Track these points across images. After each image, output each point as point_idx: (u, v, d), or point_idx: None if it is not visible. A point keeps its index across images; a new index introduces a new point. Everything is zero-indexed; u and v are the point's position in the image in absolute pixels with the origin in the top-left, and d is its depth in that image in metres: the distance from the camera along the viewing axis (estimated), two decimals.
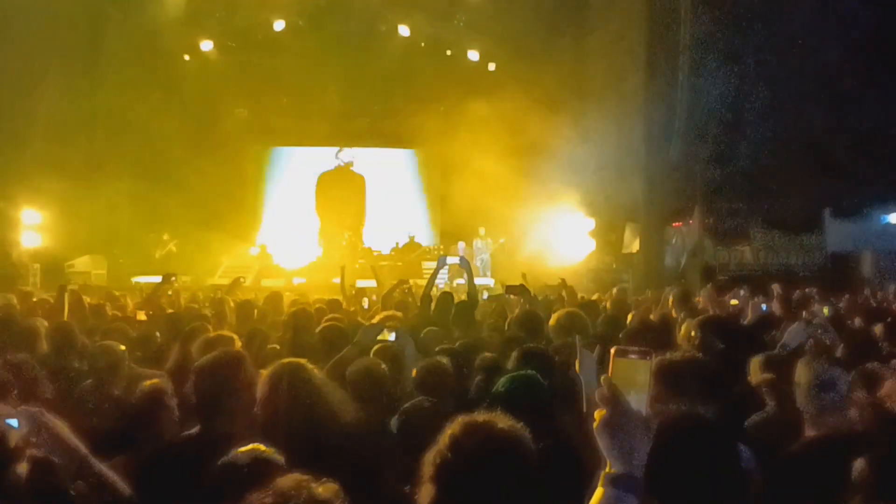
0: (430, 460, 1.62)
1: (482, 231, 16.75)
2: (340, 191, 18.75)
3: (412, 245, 17.72)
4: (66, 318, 5.51)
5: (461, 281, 7.09)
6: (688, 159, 13.11)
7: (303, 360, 2.70)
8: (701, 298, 7.80)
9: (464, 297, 6.20)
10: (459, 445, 1.61)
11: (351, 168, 19.13)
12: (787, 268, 12.33)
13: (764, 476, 2.13)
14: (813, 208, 12.58)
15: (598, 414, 1.31)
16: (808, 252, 12.79)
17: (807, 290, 7.06)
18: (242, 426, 2.40)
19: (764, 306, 5.39)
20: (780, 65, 11.52)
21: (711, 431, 1.91)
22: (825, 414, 2.47)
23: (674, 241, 14.61)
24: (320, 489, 1.47)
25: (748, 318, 5.31)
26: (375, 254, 17.32)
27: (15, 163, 13.28)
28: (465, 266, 6.64)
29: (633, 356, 1.34)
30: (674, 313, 5.41)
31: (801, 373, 2.59)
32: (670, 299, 5.96)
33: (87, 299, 6.78)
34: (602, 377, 1.33)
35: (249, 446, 1.90)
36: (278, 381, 2.64)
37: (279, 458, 1.88)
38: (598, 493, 1.29)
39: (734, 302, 6.58)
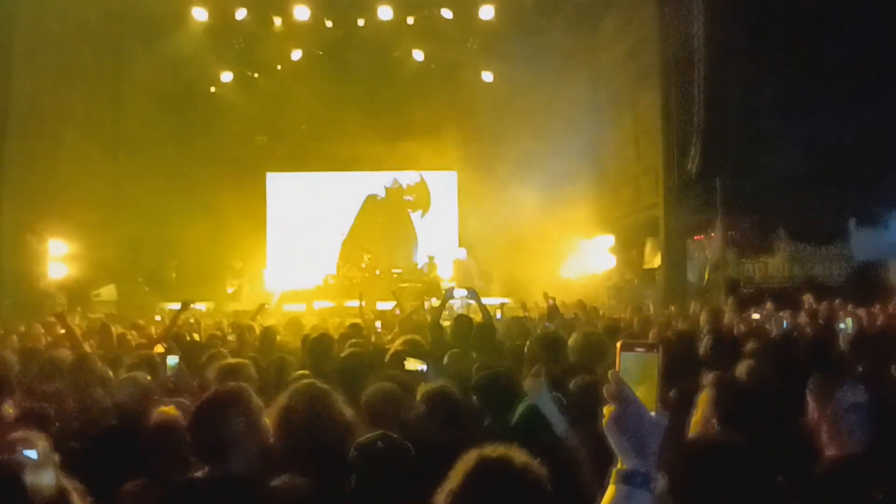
0: (444, 494, 1.58)
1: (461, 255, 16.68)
2: (387, 218, 18.97)
3: (432, 265, 17.74)
4: (86, 349, 5.59)
5: (472, 302, 7.08)
6: (708, 172, 12.98)
7: (319, 385, 2.68)
8: (725, 314, 7.69)
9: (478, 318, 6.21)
10: (473, 483, 1.56)
11: (404, 196, 19.35)
12: (812, 279, 12.07)
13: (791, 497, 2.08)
14: (838, 218, 12.34)
15: (607, 410, 1.28)
16: (833, 262, 12.54)
17: (836, 301, 6.91)
18: (251, 464, 2.35)
19: (785, 322, 5.28)
20: (801, 74, 11.39)
21: (749, 458, 1.86)
22: (849, 434, 2.41)
23: (696, 255, 14.43)
24: None
25: (772, 333, 5.21)
26: (396, 275, 17.35)
27: (41, 194, 13.59)
28: (474, 296, 6.66)
29: (639, 350, 1.30)
30: (704, 330, 5.34)
31: (817, 388, 2.53)
32: (701, 315, 5.87)
33: (113, 328, 6.88)
34: (609, 372, 1.30)
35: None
36: (295, 408, 2.62)
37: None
38: (610, 490, 1.26)
39: (756, 316, 6.46)
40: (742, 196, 12.68)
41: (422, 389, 3.25)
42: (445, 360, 4.59)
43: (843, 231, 12.57)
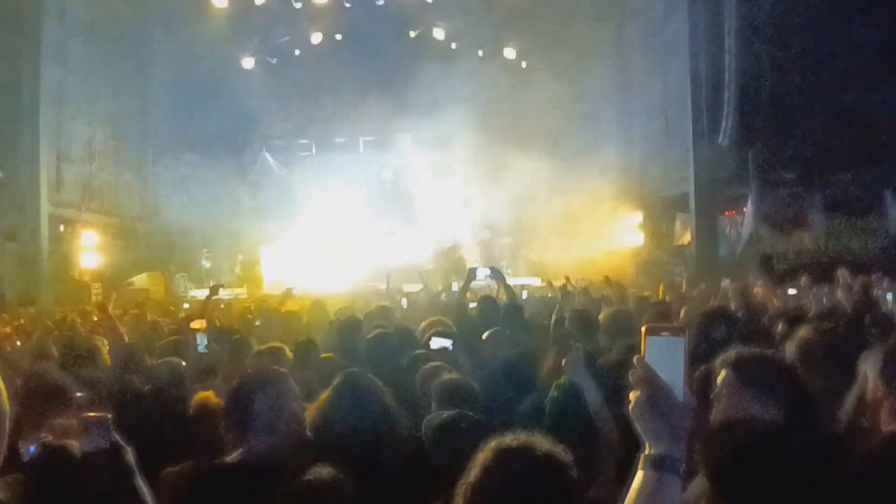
0: (463, 488, 1.55)
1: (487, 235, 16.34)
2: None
3: (454, 247, 17.69)
4: (125, 338, 5.71)
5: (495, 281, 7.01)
6: (739, 145, 12.65)
7: (360, 372, 2.68)
8: (758, 290, 7.52)
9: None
10: (494, 472, 1.53)
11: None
12: (848, 253, 11.74)
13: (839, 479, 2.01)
14: (873, 190, 11.94)
15: (633, 395, 1.28)
16: (869, 236, 12.15)
17: (873, 276, 6.71)
18: (288, 443, 2.38)
19: (825, 299, 5.14)
20: (834, 40, 10.98)
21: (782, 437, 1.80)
22: None
23: (728, 230, 14.14)
24: None
25: (811, 310, 5.07)
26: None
27: (74, 189, 13.91)
28: (497, 275, 6.63)
29: (665, 334, 1.30)
30: (735, 307, 5.23)
31: (880, 361, 2.43)
32: (730, 292, 5.76)
33: (147, 316, 7.03)
34: (635, 357, 1.30)
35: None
36: (341, 393, 2.61)
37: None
38: (639, 476, 1.26)
39: (792, 292, 6.30)
40: (775, 169, 12.35)
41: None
42: (485, 336, 4.47)
43: (879, 203, 12.18)
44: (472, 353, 4.29)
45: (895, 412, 2.31)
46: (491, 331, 4.44)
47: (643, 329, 1.33)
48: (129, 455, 1.92)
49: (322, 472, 1.88)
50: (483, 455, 1.57)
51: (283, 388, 2.52)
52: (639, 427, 1.28)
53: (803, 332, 3.27)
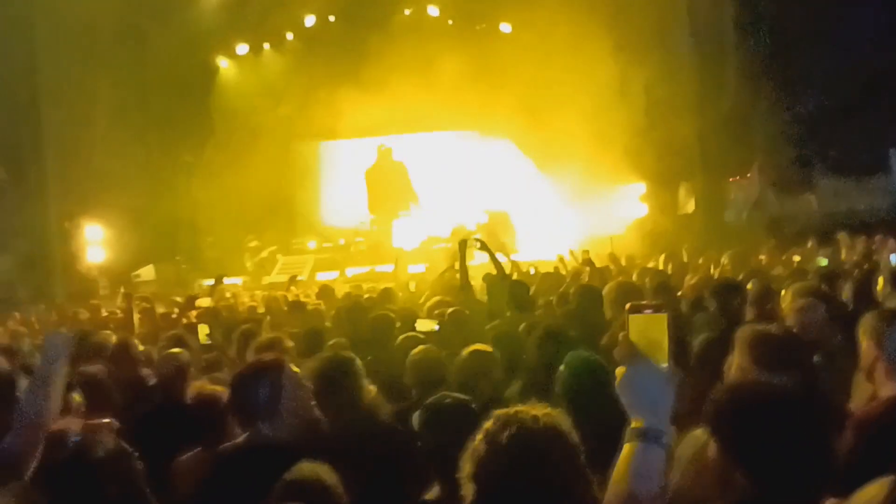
0: (466, 458, 1.59)
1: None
2: (386, 181, 18.73)
3: (459, 228, 17.64)
4: (136, 330, 5.76)
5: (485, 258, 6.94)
6: (743, 108, 12.51)
7: (343, 355, 2.70)
8: (765, 256, 7.49)
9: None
10: (494, 440, 1.56)
11: (391, 157, 19.07)
12: (854, 214, 11.65)
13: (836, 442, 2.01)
14: (878, 148, 11.81)
15: (619, 371, 1.35)
16: (875, 195, 12.05)
17: (877, 237, 6.65)
18: (289, 431, 2.42)
19: (825, 260, 5.12)
20: (830, 4, 10.78)
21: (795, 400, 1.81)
22: None
23: (733, 195, 14.04)
24: None
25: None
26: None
27: (77, 183, 13.95)
28: (485, 247, 6.58)
29: (648, 311, 1.37)
30: (732, 275, 5.21)
31: (871, 325, 2.43)
32: (723, 259, 5.73)
33: (157, 308, 7.09)
34: (620, 335, 1.36)
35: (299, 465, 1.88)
36: (319, 379, 2.65)
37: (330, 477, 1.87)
38: (627, 447, 1.33)
39: (797, 258, 6.27)
40: (779, 132, 12.22)
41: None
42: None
43: (884, 162, 12.06)
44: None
45: (889, 375, 2.31)
46: (451, 310, 4.45)
47: (626, 307, 1.39)
48: (136, 461, 1.95)
49: (304, 469, 1.90)
50: (486, 424, 1.62)
51: (283, 375, 2.57)
52: (624, 402, 1.35)
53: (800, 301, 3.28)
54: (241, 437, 2.57)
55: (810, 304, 3.45)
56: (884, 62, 10.36)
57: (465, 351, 3.19)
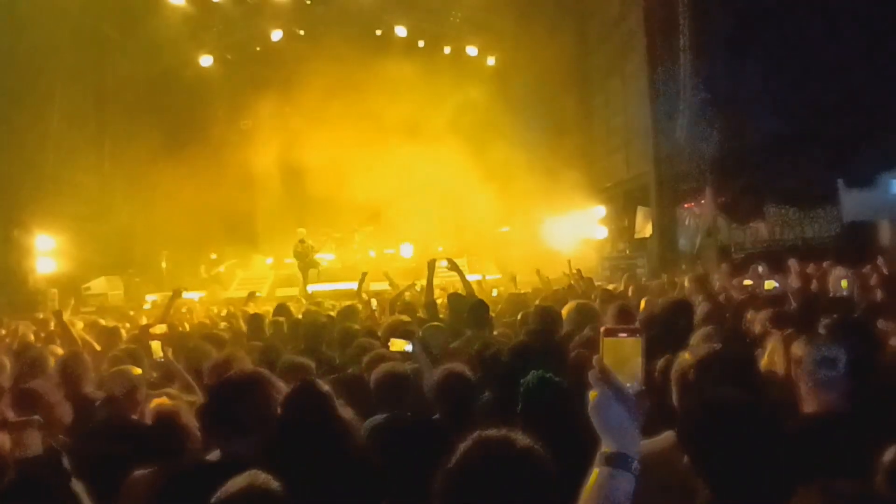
0: (440, 480, 1.55)
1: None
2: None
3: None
4: (79, 344, 5.55)
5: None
6: (696, 138, 12.93)
7: (313, 381, 2.65)
8: (717, 279, 7.71)
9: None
10: (471, 466, 1.52)
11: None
12: (803, 241, 12.11)
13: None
14: (826, 179, 12.32)
15: (592, 395, 1.32)
16: (823, 224, 12.56)
17: (824, 263, 6.93)
18: (262, 449, 2.35)
19: (776, 284, 5.30)
20: (785, 37, 11.29)
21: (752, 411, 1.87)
22: (822, 391, 2.42)
23: (687, 222, 14.43)
24: None
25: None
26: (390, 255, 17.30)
27: (27, 189, 13.44)
28: (454, 267, 6.65)
29: (622, 335, 1.35)
30: (698, 298, 5.33)
31: (801, 349, 2.54)
32: (685, 282, 5.88)
33: (102, 322, 6.85)
34: (594, 358, 1.34)
35: (246, 474, 1.85)
36: (293, 402, 2.59)
37: (275, 486, 1.83)
38: (596, 472, 1.31)
39: (748, 282, 6.47)
40: (730, 160, 12.65)
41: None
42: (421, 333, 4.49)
43: (832, 192, 12.58)
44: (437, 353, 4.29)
45: (807, 396, 2.43)
46: (427, 325, 4.45)
47: (601, 330, 1.37)
48: (64, 459, 1.88)
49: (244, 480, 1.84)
50: (464, 445, 1.59)
51: (268, 389, 2.51)
52: (595, 425, 1.33)
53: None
54: (213, 453, 2.47)
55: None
56: (834, 94, 10.85)
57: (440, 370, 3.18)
